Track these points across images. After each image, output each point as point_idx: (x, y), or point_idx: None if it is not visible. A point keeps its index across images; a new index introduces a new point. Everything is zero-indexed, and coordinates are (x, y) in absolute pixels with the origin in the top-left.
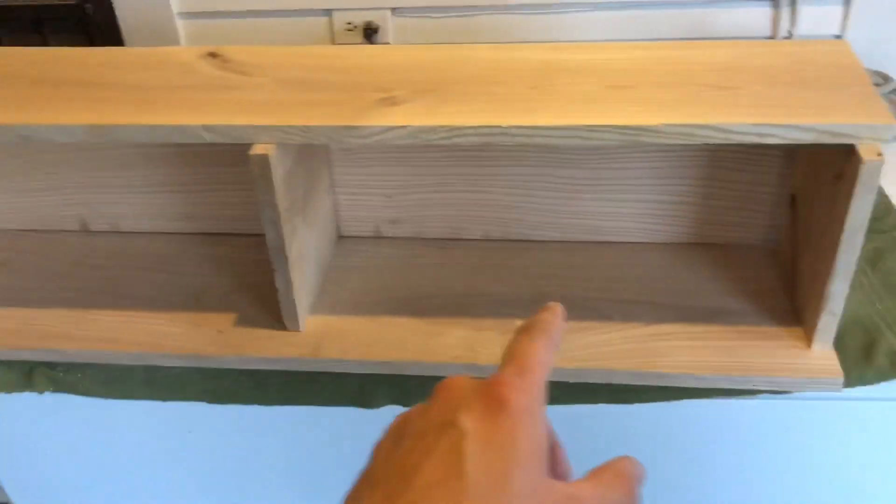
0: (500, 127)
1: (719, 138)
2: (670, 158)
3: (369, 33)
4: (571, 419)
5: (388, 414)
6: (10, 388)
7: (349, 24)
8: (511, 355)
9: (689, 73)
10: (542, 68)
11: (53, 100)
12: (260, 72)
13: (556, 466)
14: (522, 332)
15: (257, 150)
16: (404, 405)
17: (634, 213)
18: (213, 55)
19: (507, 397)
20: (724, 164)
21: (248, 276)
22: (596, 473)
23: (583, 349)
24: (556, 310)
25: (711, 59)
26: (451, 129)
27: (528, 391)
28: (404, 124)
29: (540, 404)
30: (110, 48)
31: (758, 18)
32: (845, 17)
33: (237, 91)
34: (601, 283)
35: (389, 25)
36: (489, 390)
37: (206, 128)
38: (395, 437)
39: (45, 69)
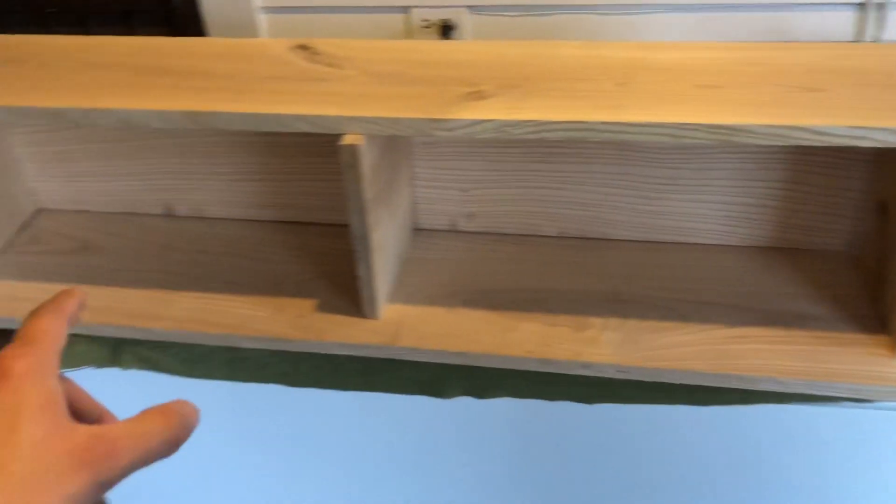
0: (587, 123)
1: (812, 140)
2: (753, 160)
3: (446, 31)
4: (648, 418)
5: (460, 404)
6: (98, 362)
7: (425, 20)
8: (18, 332)
9: (777, 73)
10: (628, 66)
11: (150, 87)
12: (349, 64)
13: (82, 416)
14: (32, 312)
15: (347, 140)
16: (476, 396)
17: (715, 215)
18: (302, 47)
19: (8, 366)
20: (809, 167)
21: (327, 265)
22: (139, 414)
23: (661, 349)
24: (71, 291)
25: (799, 61)
26: (539, 123)
27: (30, 357)
28: (491, 118)
29: (48, 366)
30: (203, 38)
31: (841, 23)
32: None
33: (327, 83)
34: (679, 284)
35: (466, 23)
36: None
37: (299, 117)
38: None
39: (142, 58)
